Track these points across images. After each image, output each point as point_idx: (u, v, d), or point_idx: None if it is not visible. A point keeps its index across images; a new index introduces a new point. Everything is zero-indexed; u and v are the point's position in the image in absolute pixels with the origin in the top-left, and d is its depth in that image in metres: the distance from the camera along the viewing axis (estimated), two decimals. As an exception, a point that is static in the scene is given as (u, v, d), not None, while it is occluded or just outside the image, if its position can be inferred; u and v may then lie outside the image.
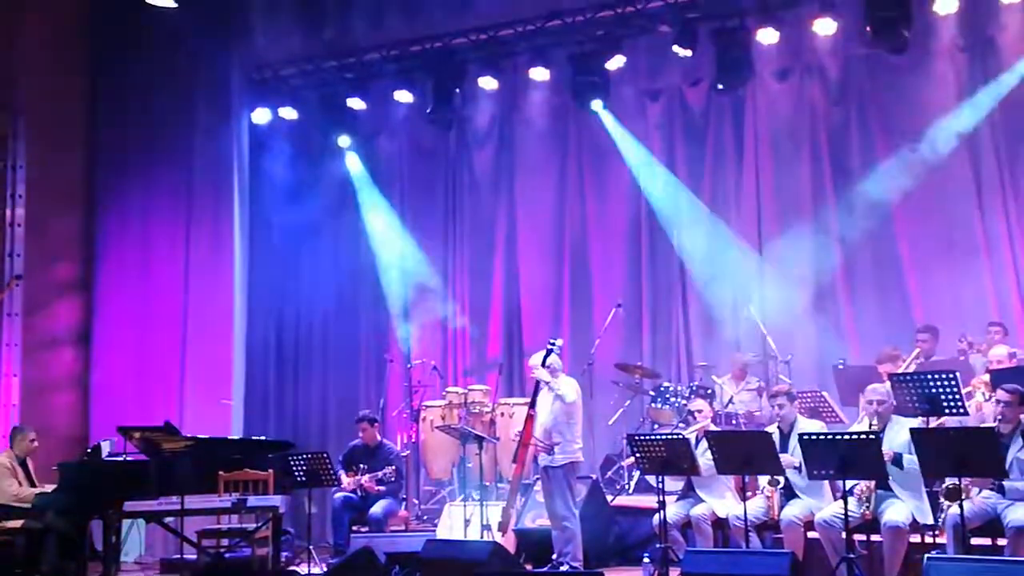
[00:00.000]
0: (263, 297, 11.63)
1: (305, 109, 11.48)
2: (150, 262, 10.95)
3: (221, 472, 8.38)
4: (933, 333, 8.92)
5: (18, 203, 10.52)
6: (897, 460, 6.60)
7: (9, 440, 9.08)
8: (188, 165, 10.95)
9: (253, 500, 7.99)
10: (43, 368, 10.84)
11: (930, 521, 6.69)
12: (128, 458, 8.47)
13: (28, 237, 10.58)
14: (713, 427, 7.96)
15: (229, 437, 9.65)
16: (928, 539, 6.75)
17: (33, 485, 8.67)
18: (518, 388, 10.83)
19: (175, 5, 9.70)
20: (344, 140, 11.50)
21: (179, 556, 8.57)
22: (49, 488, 8.30)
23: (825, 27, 9.57)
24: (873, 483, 6.70)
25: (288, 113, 11.42)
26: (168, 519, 8.04)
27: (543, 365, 7.97)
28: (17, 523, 8.22)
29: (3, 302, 10.36)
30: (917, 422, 7.03)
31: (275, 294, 11.83)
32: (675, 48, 10.02)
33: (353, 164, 11.78)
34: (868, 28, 9.26)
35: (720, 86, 10.00)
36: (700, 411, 7.98)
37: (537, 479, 8.46)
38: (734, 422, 9.23)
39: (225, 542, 8.39)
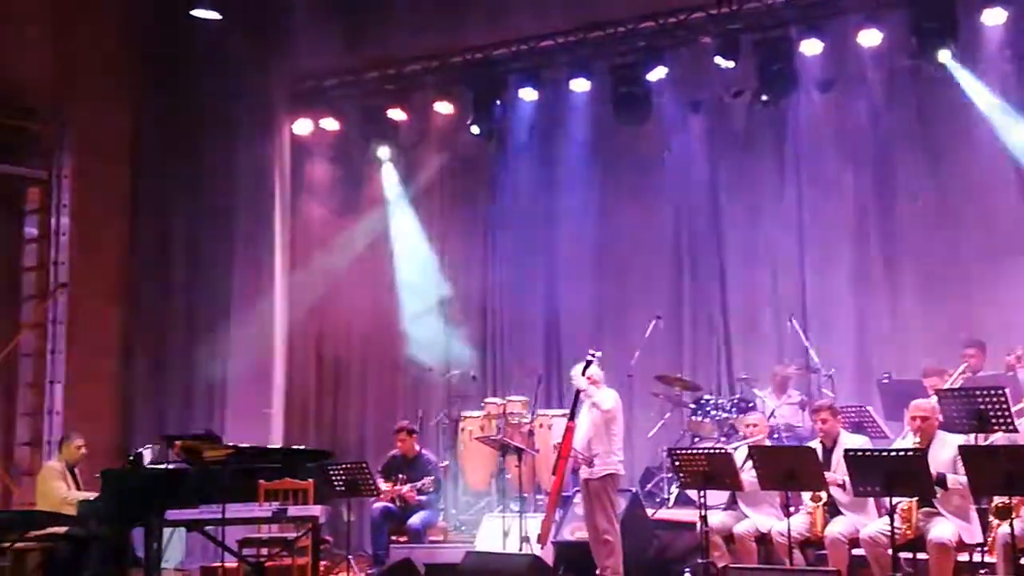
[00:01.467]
0: (303, 306, 11.67)
1: (346, 120, 11.53)
2: (193, 271, 11.04)
3: (261, 481, 8.42)
4: (980, 347, 8.78)
5: (63, 213, 10.66)
6: (940, 481, 6.48)
7: (58, 447, 9.18)
8: (231, 175, 11.05)
9: (293, 509, 8.01)
10: (86, 376, 10.96)
11: (979, 540, 6.58)
12: (170, 466, 8.54)
13: (73, 246, 10.72)
14: (767, 442, 7.85)
15: (269, 446, 9.68)
16: (976, 558, 6.64)
17: (80, 491, 8.75)
18: (556, 400, 10.78)
19: (219, 17, 9.80)
20: (384, 151, 11.54)
21: (219, 564, 8.60)
22: (93, 495, 8.37)
23: (870, 38, 9.46)
24: (915, 502, 6.58)
25: (329, 124, 11.48)
26: (209, 527, 8.07)
27: (583, 373, 7.94)
28: (61, 530, 8.29)
29: (48, 310, 10.49)
30: (964, 439, 6.92)
31: (315, 304, 11.88)
32: (717, 59, 9.96)
33: (392, 175, 11.82)
34: (914, 39, 9.17)
35: (763, 97, 9.93)
36: (756, 425, 7.86)
37: (576, 491, 8.42)
38: (776, 436, 9.13)
39: (265, 551, 8.42)
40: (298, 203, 11.50)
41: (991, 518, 6.38)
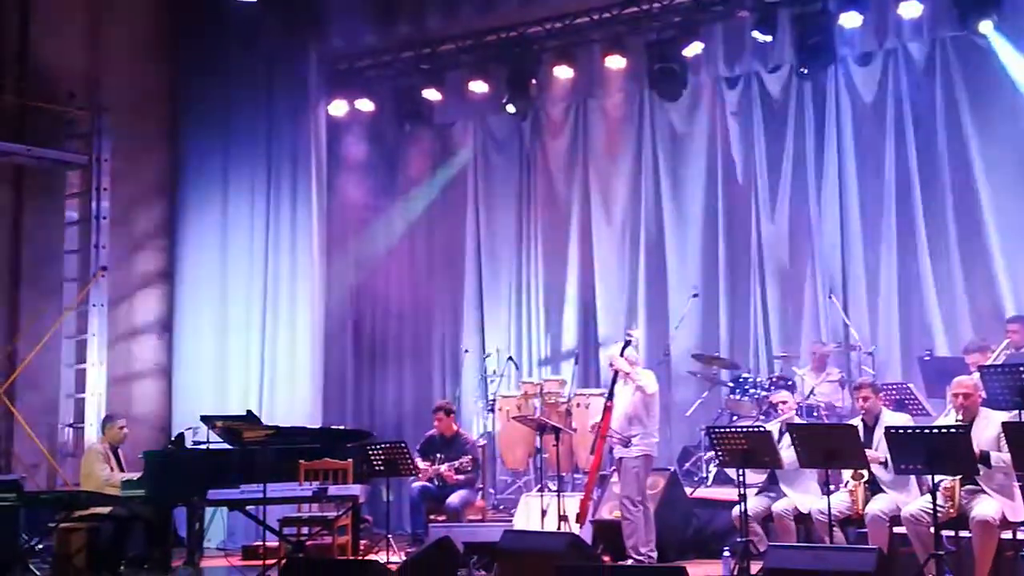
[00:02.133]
0: (340, 287, 11.74)
1: (381, 100, 11.53)
2: (231, 252, 11.12)
3: (302, 461, 8.49)
4: (1023, 323, 8.64)
5: (103, 196, 10.76)
6: (984, 458, 6.40)
7: (101, 428, 9.30)
8: (267, 157, 11.10)
9: (333, 489, 8.07)
10: (127, 358, 11.11)
11: (1023, 518, 6.49)
12: (211, 447, 8.63)
13: (113, 229, 10.84)
14: (797, 419, 7.82)
15: (309, 426, 9.76)
16: (1021, 536, 6.55)
17: (124, 472, 8.87)
18: (593, 379, 10.77)
19: (255, 0, 9.81)
20: (419, 131, 11.53)
21: (261, 543, 8.69)
22: (136, 475, 8.48)
23: (911, 9, 9.29)
24: (958, 480, 6.51)
25: (364, 105, 11.47)
26: (250, 507, 8.15)
27: (621, 354, 7.92)
28: (105, 510, 8.41)
29: (89, 293, 10.61)
30: (1007, 415, 6.83)
31: (352, 285, 11.94)
32: (754, 34, 9.84)
33: (427, 155, 11.83)
34: (955, 10, 9.00)
35: (804, 70, 9.76)
36: (784, 403, 7.84)
37: (614, 470, 8.41)
38: (815, 414, 9.07)
39: (306, 530, 8.50)
40: (335, 185, 11.53)
41: (1036, 495, 6.30)
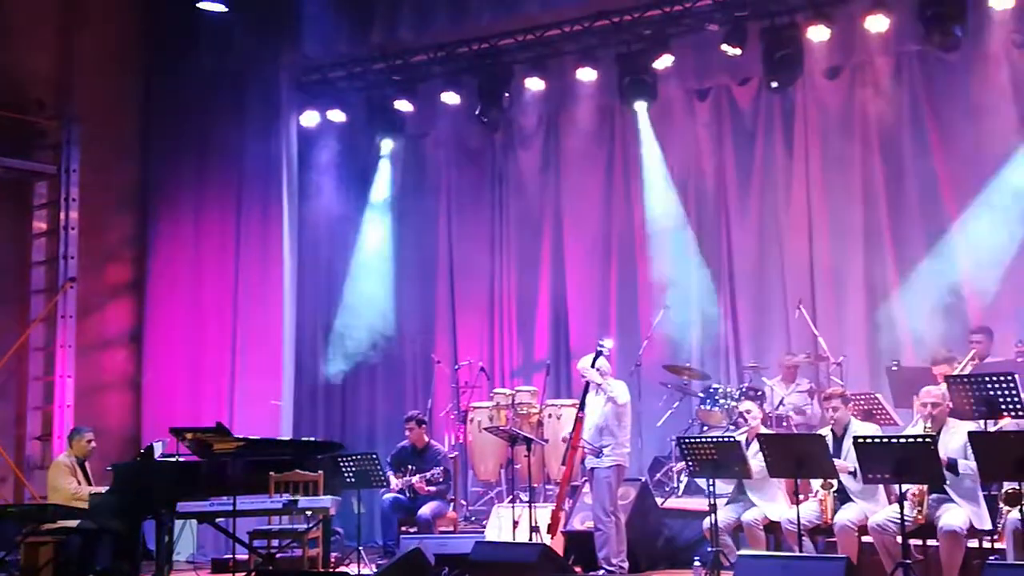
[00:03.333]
0: (312, 298, 11.71)
1: (353, 111, 11.53)
2: (201, 264, 11.08)
3: (272, 473, 8.45)
4: (988, 334, 8.75)
5: (72, 207, 10.70)
6: (951, 466, 6.48)
7: (68, 441, 9.22)
8: (238, 168, 11.07)
9: (304, 501, 8.04)
10: (96, 369, 11.02)
11: (988, 526, 6.57)
12: (180, 459, 8.57)
13: (82, 240, 10.77)
14: (764, 429, 7.87)
15: (279, 438, 9.71)
16: (986, 544, 6.63)
17: (91, 485, 8.79)
18: (565, 389, 10.79)
19: (226, 9, 9.79)
20: (387, 144, 11.52)
21: (231, 556, 8.63)
22: (103, 489, 8.41)
23: (877, 24, 9.40)
24: (925, 488, 6.58)
25: (336, 115, 11.47)
26: (220, 520, 8.11)
27: (592, 364, 7.94)
28: (73, 523, 8.33)
29: (57, 304, 10.52)
30: (973, 425, 6.91)
31: (323, 295, 11.91)
32: (724, 47, 9.92)
33: (399, 166, 11.83)
34: (920, 24, 9.12)
35: (775, 84, 9.85)
36: (749, 412, 7.90)
37: (585, 481, 8.43)
38: (785, 424, 9.14)
39: (276, 543, 8.45)
40: (306, 195, 11.50)
41: (1000, 504, 6.37)
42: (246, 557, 8.41)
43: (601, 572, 7.68)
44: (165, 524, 8.23)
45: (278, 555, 8.23)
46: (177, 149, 11.26)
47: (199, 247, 11.10)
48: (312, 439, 9.99)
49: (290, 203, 11.07)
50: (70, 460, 8.81)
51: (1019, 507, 6.03)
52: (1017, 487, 6.09)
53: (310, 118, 11.42)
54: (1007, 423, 6.94)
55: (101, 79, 11.16)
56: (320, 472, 8.56)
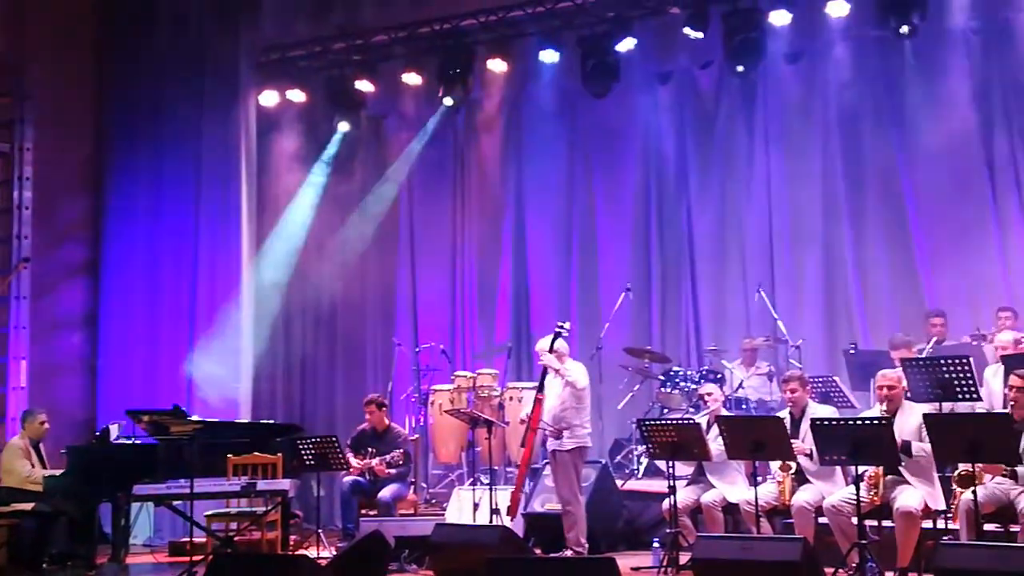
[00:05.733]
0: (271, 279, 11.59)
1: (313, 91, 11.42)
2: (158, 244, 10.92)
3: (230, 456, 8.39)
4: (945, 318, 8.87)
5: (25, 186, 10.49)
6: (906, 448, 6.56)
7: (21, 423, 9.08)
8: (196, 147, 10.91)
9: (262, 484, 7.99)
10: (51, 351, 10.84)
11: (942, 507, 6.66)
12: (137, 441, 8.48)
13: (36, 220, 10.57)
14: (724, 412, 7.93)
15: (238, 420, 9.63)
16: (940, 525, 6.73)
17: (45, 468, 8.67)
18: (527, 372, 10.80)
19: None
20: (343, 125, 11.42)
21: (188, 539, 8.56)
22: (58, 472, 8.30)
23: (838, 9, 9.47)
24: (881, 469, 6.66)
25: (296, 95, 11.36)
26: (177, 502, 8.04)
27: (551, 350, 7.93)
28: (28, 506, 8.22)
29: (11, 285, 10.34)
30: (929, 408, 7.00)
31: (283, 276, 11.79)
32: (686, 30, 9.93)
33: (359, 147, 11.74)
34: (880, 10, 9.18)
35: (739, 68, 9.85)
36: (711, 395, 7.94)
37: (546, 463, 8.45)
38: (744, 407, 9.20)
39: (234, 526, 8.39)
40: (265, 176, 11.38)
41: (954, 486, 6.46)
42: (204, 540, 8.34)
43: (568, 552, 7.69)
44: (121, 507, 8.15)
45: (236, 538, 8.17)
46: (133, 127, 11.07)
47: (156, 227, 10.94)
48: (271, 421, 9.91)
49: (249, 182, 10.94)
50: (24, 442, 8.69)
51: (972, 488, 6.11)
52: (970, 468, 6.18)
53: (269, 97, 11.30)
54: (961, 405, 7.05)
55: (54, 56, 10.92)
56: (279, 454, 8.51)
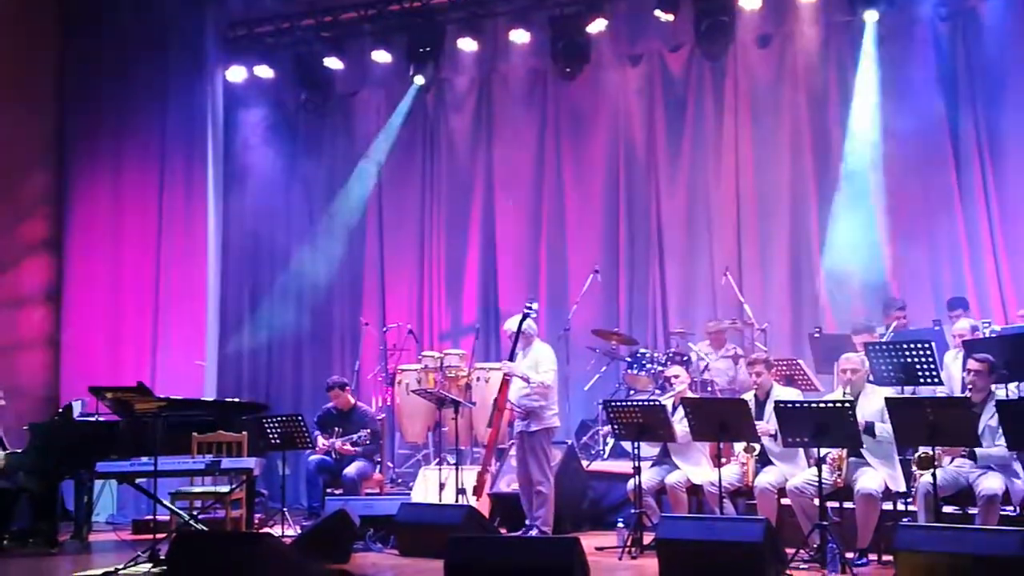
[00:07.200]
0: (237, 258, 11.54)
1: (281, 68, 11.33)
2: (122, 221, 10.83)
3: (195, 434, 8.34)
4: (905, 310, 8.99)
5: (-13, 160, 10.35)
6: (869, 429, 6.64)
7: (-22, 400, 8.97)
8: (161, 123, 10.82)
9: (227, 462, 7.95)
10: (12, 328, 10.73)
11: (903, 489, 6.76)
12: (100, 419, 8.41)
13: (-2, 194, 10.44)
14: (690, 394, 7.97)
15: (203, 399, 9.57)
16: (900, 507, 6.82)
17: (3, 445, 8.57)
18: (494, 352, 10.81)
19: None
20: (315, 102, 11.33)
21: (151, 517, 8.51)
22: (18, 451, 8.22)
23: (808, -7, 9.52)
24: (845, 451, 6.74)
25: (263, 72, 11.27)
26: (141, 480, 7.99)
27: (519, 330, 7.93)
28: (-12, 483, 8.14)
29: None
30: (891, 391, 7.08)
31: (249, 255, 11.74)
32: (657, 12, 9.95)
33: (327, 125, 11.67)
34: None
35: (709, 52, 9.83)
36: (677, 377, 7.99)
37: (512, 444, 8.46)
38: (710, 389, 9.26)
39: (198, 504, 8.35)
40: (232, 152, 11.29)
41: (914, 468, 6.54)
42: (167, 518, 8.30)
43: (534, 531, 7.72)
44: (84, 484, 8.11)
45: (201, 516, 8.13)
46: (96, 103, 10.94)
47: (120, 203, 10.84)
48: (236, 400, 9.86)
49: (215, 159, 10.86)
50: (-21, 420, 8.59)
51: (931, 471, 6.20)
52: (930, 451, 6.26)
53: (236, 73, 11.20)
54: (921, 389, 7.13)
55: (14, 30, 10.73)
56: (244, 433, 8.47)
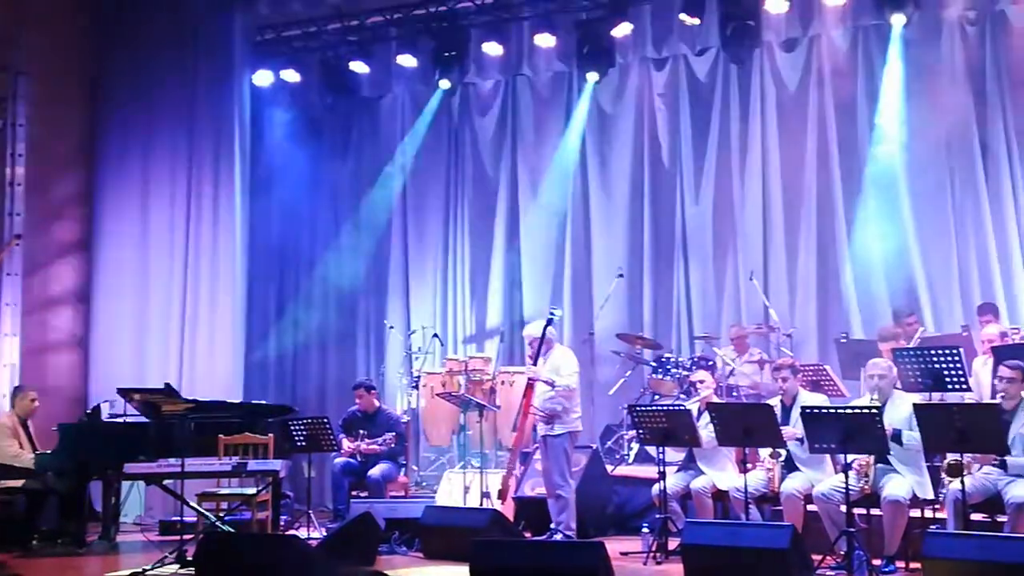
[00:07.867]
0: (264, 260, 11.61)
1: (307, 71, 11.39)
2: (151, 222, 10.90)
3: (221, 436, 8.40)
4: (916, 315, 8.95)
5: (18, 162, 10.45)
6: (896, 436, 6.59)
7: (10, 400, 9.07)
8: (189, 126, 10.89)
9: (253, 464, 8.01)
10: (42, 328, 10.82)
11: (930, 496, 6.71)
12: (128, 420, 8.49)
13: (28, 196, 10.53)
14: (715, 399, 7.95)
15: (229, 401, 9.64)
16: (928, 514, 6.77)
17: (34, 446, 8.66)
18: (518, 357, 10.80)
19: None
20: (343, 105, 11.39)
21: (178, 518, 8.58)
22: (49, 449, 8.30)
23: (835, -3, 9.47)
24: (872, 458, 6.70)
25: (290, 75, 11.34)
26: (168, 481, 8.05)
27: (542, 336, 7.92)
28: (18, 483, 8.22)
29: (3, 262, 10.31)
30: (919, 397, 7.03)
31: (276, 257, 11.81)
32: (682, 16, 9.93)
33: (354, 128, 11.71)
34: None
35: (735, 56, 9.79)
36: (702, 382, 7.96)
37: (536, 448, 8.46)
38: (735, 394, 9.23)
39: (225, 505, 8.41)
40: (259, 155, 11.36)
41: (942, 475, 6.49)
42: (194, 519, 8.36)
43: (558, 536, 7.72)
44: (112, 485, 8.18)
45: (227, 518, 8.18)
46: (127, 104, 11.03)
47: (149, 206, 10.92)
48: (262, 402, 9.92)
49: (242, 162, 10.92)
50: (11, 420, 8.67)
51: (960, 478, 6.15)
52: (959, 458, 6.21)
53: (263, 77, 11.27)
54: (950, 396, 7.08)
55: (50, 32, 10.85)
56: (270, 435, 8.52)
